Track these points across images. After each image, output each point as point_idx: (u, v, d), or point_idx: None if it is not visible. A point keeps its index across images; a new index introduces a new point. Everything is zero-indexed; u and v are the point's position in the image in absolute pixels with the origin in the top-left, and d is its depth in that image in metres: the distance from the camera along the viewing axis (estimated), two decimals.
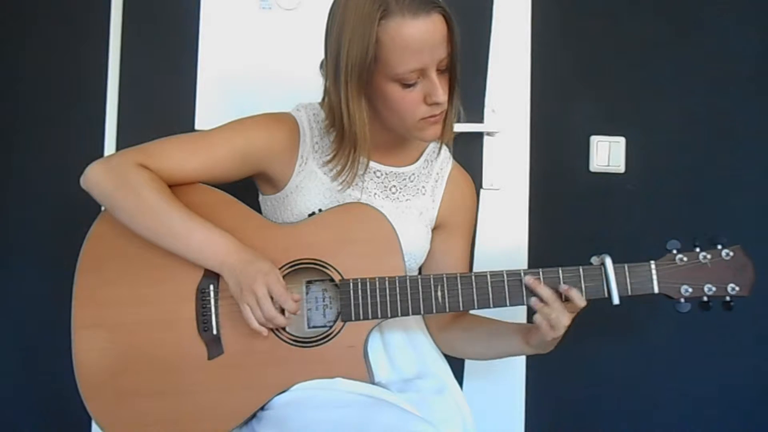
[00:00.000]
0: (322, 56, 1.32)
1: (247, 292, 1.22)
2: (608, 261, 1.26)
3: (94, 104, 1.81)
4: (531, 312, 1.28)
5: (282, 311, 1.24)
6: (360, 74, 1.22)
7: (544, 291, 1.25)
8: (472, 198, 1.52)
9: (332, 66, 1.26)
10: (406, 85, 1.24)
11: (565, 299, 1.25)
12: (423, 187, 1.44)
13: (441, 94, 1.24)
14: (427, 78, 1.24)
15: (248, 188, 1.44)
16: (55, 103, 1.85)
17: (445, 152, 1.48)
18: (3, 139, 1.86)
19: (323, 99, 1.37)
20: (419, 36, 1.20)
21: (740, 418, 1.78)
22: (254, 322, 1.23)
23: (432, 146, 1.46)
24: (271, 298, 1.22)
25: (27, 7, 1.85)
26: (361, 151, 1.29)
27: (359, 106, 1.25)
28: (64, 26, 1.85)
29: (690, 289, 1.25)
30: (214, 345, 1.29)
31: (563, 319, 1.23)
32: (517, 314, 1.57)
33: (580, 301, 1.25)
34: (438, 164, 1.47)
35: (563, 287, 1.25)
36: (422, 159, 1.45)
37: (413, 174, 1.44)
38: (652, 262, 1.26)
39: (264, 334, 1.24)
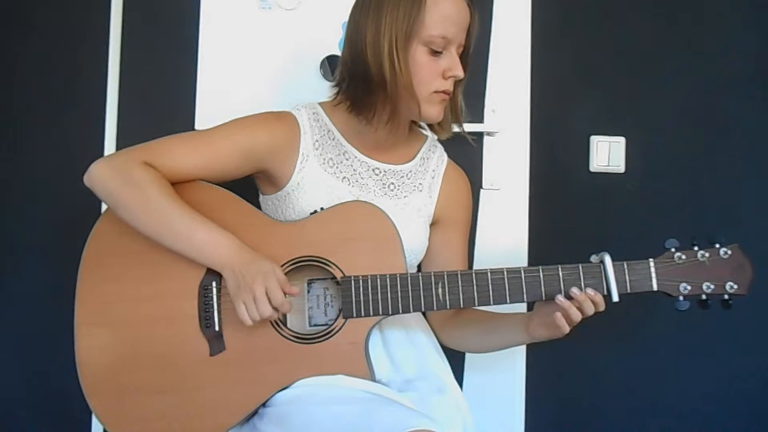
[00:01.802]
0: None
1: (246, 290, 1.22)
2: (607, 259, 1.26)
3: (94, 104, 1.81)
4: (531, 307, 1.28)
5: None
6: (408, 30, 1.29)
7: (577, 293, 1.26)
8: (468, 193, 1.54)
9: (374, 24, 1.30)
10: (433, 52, 1.32)
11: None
12: (420, 184, 1.45)
13: (461, 69, 1.33)
14: (450, 53, 1.33)
15: (249, 188, 1.44)
16: (55, 103, 1.85)
17: (440, 150, 1.52)
18: (3, 138, 1.86)
19: (342, 79, 1.38)
20: (455, 10, 1.32)
21: (740, 417, 1.78)
22: (248, 320, 1.24)
23: (427, 144, 1.50)
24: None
25: (27, 7, 1.85)
26: (409, 94, 1.32)
27: (405, 55, 1.30)
28: (64, 26, 1.85)
29: (689, 287, 1.26)
30: (216, 341, 1.29)
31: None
32: (517, 311, 1.56)
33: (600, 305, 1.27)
34: (434, 162, 1.49)
35: (590, 292, 1.26)
36: (418, 157, 1.47)
37: (410, 171, 1.45)
38: (651, 260, 1.27)
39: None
